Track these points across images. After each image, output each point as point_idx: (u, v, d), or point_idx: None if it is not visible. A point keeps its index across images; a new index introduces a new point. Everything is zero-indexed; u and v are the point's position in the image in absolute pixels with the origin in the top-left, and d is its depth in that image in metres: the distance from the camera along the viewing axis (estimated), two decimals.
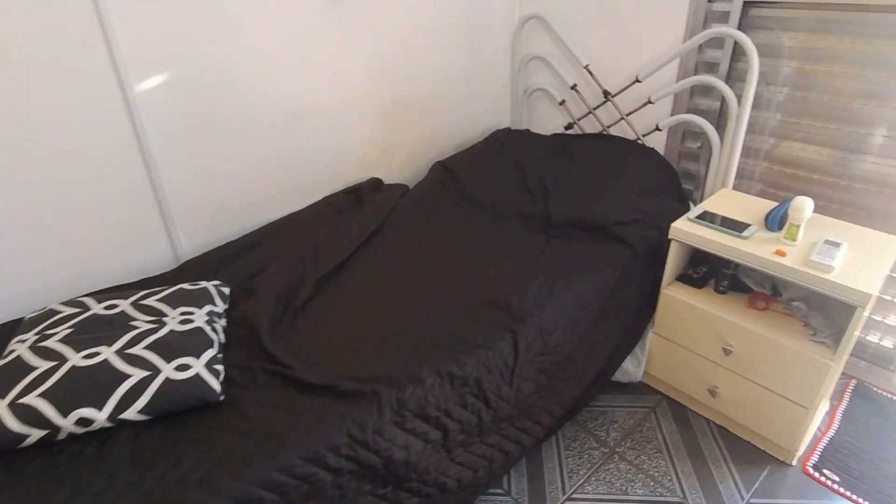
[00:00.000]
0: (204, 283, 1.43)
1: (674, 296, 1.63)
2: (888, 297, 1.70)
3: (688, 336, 1.64)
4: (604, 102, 2.13)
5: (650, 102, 1.98)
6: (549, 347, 1.43)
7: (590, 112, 2.18)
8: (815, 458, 1.59)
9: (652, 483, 1.54)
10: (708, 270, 1.68)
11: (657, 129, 1.98)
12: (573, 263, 1.60)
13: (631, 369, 1.77)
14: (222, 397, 1.14)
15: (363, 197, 1.98)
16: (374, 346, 1.30)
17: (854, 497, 1.48)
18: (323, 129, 1.88)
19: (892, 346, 1.77)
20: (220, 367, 1.18)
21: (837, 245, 1.39)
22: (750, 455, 1.61)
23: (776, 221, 1.48)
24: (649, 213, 1.76)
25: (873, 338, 1.79)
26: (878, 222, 1.68)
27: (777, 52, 1.72)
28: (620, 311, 1.62)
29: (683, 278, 1.69)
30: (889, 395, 1.79)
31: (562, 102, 2.26)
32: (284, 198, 1.86)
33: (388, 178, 2.14)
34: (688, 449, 1.63)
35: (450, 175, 2.09)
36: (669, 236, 1.58)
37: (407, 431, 1.17)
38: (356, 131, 1.98)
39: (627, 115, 2.07)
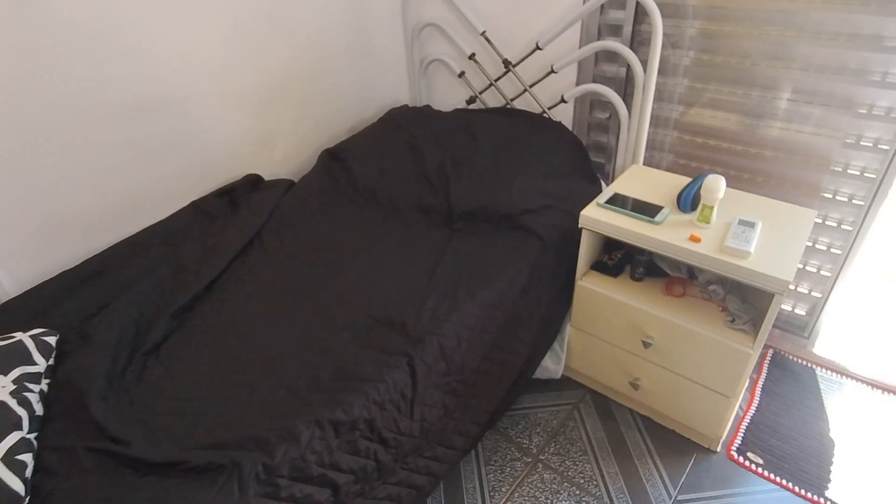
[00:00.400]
0: (19, 335, 1.13)
1: (589, 287, 1.50)
2: (800, 265, 1.66)
3: (606, 328, 1.52)
4: (505, 73, 1.93)
5: (553, 72, 1.81)
6: (454, 366, 1.25)
7: (491, 84, 1.98)
8: (738, 441, 1.53)
9: (578, 491, 1.43)
10: (623, 256, 1.56)
11: (563, 100, 1.82)
12: (478, 264, 1.42)
13: (551, 366, 1.64)
14: (27, 499, 0.87)
15: (238, 199, 1.70)
16: (239, 398, 1.07)
17: (778, 480, 1.44)
18: (178, 120, 1.57)
19: (804, 314, 1.74)
20: (27, 457, 0.91)
21: (752, 225, 1.29)
22: (675, 445, 1.54)
23: (688, 202, 1.36)
24: (559, 198, 1.61)
25: (787, 306, 1.76)
26: (788, 190, 1.61)
27: (681, 11, 1.58)
28: (534, 311, 1.47)
29: (599, 266, 1.56)
30: (804, 363, 1.77)
31: (461, 74, 2.04)
32: (138, 207, 1.55)
33: (271, 172, 1.86)
34: (613, 446, 1.54)
35: (340, 165, 1.84)
36: (580, 225, 1.43)
37: (283, 501, 0.97)
38: (222, 121, 1.68)
39: (531, 86, 1.89)
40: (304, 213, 1.67)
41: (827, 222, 1.59)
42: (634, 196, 1.45)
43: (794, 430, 1.56)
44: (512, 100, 1.97)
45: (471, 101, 2.08)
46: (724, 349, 1.32)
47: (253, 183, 1.76)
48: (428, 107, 2.11)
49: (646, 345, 1.44)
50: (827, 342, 1.75)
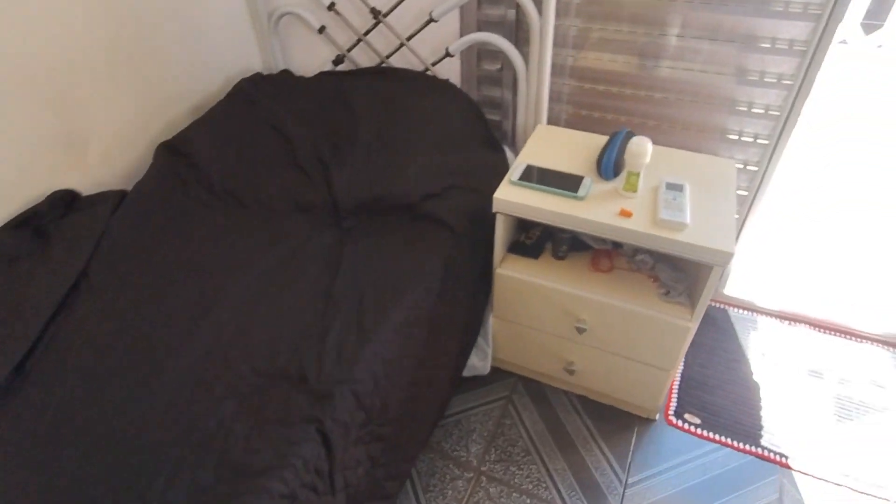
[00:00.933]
0: None
1: (509, 275, 1.32)
2: None
3: (533, 316, 1.36)
4: (375, 25, 1.61)
5: (433, 20, 1.52)
6: (375, 411, 1.02)
7: (360, 40, 1.65)
8: (674, 404, 1.49)
9: (528, 500, 1.30)
10: (542, 233, 1.39)
11: (448, 54, 1.55)
12: (382, 273, 1.17)
13: (477, 363, 1.47)
14: None
15: (47, 228, 1.26)
16: None
17: (717, 437, 1.41)
18: None
19: None
20: None
21: (681, 189, 1.16)
22: (615, 420, 1.46)
23: (610, 167, 1.20)
24: (463, 174, 1.37)
25: None
26: (694, 136, 1.52)
27: None
28: (455, 313, 1.26)
29: (517, 247, 1.37)
30: (717, 305, 1.77)
31: (321, 30, 1.68)
32: None
33: (89, 183, 1.41)
34: (554, 437, 1.42)
35: (185, 161, 1.44)
36: (494, 209, 1.22)
37: None
38: (1, 121, 1.21)
39: (408, 39, 1.59)
40: (146, 233, 1.28)
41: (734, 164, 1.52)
42: (549, 166, 1.26)
43: (721, 378, 1.55)
44: (387, 57, 1.66)
45: (338, 61, 1.73)
46: (661, 325, 1.21)
47: (65, 202, 1.33)
48: (287, 72, 1.74)
49: (580, 330, 1.30)
50: (735, 282, 1.76)
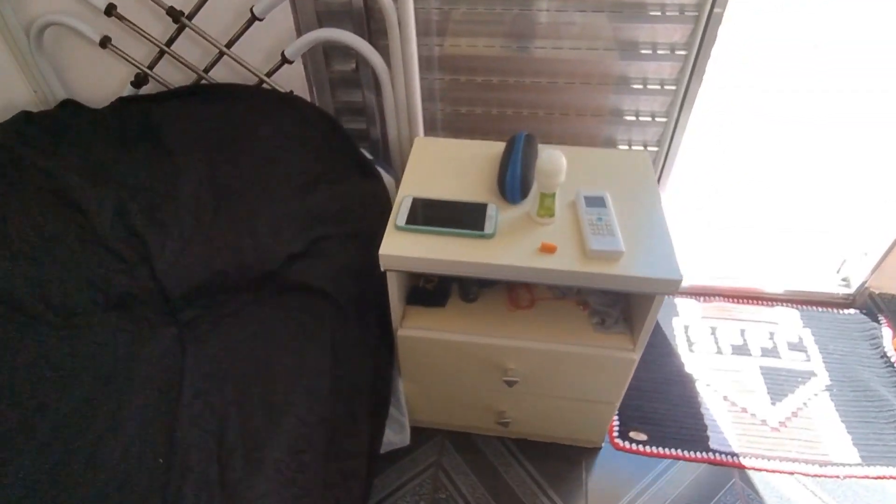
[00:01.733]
0: None
1: (413, 335, 1.05)
2: None
3: (451, 374, 1.12)
4: (179, 30, 1.22)
5: (257, 19, 1.17)
6: None
7: (163, 51, 1.25)
8: (616, 423, 1.34)
9: None
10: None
11: (285, 60, 1.21)
12: (245, 387, 0.84)
13: (394, 438, 1.20)
14: None
15: None
16: None
17: (667, 451, 1.29)
18: None
19: None
20: None
21: (602, 201, 0.95)
22: (560, 458, 1.28)
23: (517, 188, 0.96)
24: (331, 217, 1.07)
25: None
26: (590, 122, 1.34)
27: None
28: (357, 403, 0.97)
29: (417, 296, 1.11)
30: None
31: (104, 42, 1.24)
32: None
33: None
34: (499, 501, 1.21)
35: None
36: (382, 267, 0.93)
37: None
38: None
39: (228, 45, 1.22)
40: None
41: (633, 147, 1.37)
42: (441, 195, 1.00)
43: (656, 380, 1.43)
44: (206, 70, 1.27)
45: (139, 81, 1.31)
46: (601, 360, 1.03)
47: None
48: (69, 104, 1.29)
49: (509, 383, 1.08)
50: None
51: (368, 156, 1.26)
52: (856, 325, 1.55)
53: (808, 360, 1.47)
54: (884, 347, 1.48)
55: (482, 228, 0.91)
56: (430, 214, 0.95)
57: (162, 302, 0.97)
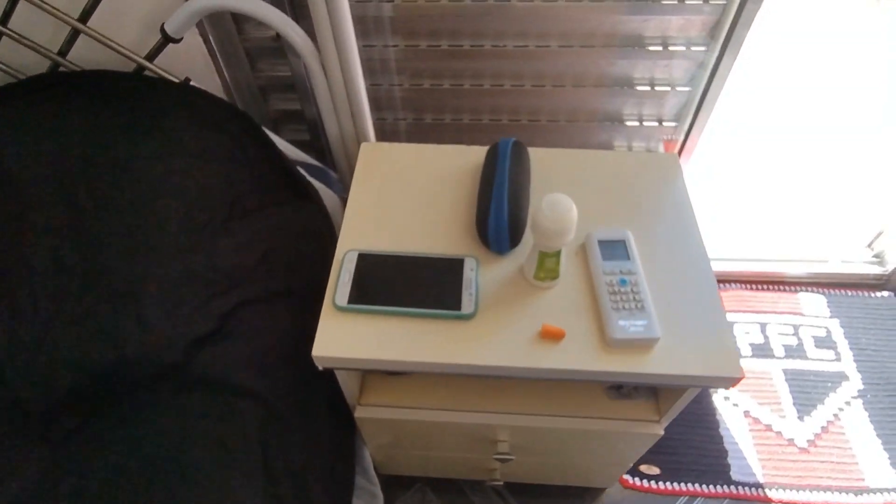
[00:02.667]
0: None
1: (374, 417, 0.81)
2: None
3: (428, 450, 0.90)
4: (12, 7, 0.84)
5: None
6: None
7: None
8: None
9: None
10: None
11: (168, 38, 0.85)
12: None
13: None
14: None
15: None
16: None
17: (684, 487, 1.12)
18: None
19: None
20: None
21: (624, 250, 0.68)
22: (562, 501, 1.10)
23: (503, 237, 0.68)
24: (252, 270, 0.78)
25: None
26: (581, 130, 1.03)
27: None
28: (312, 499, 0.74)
29: None
30: None
31: None
32: None
33: None
34: None
35: None
36: (320, 367, 0.66)
37: None
38: None
39: (82, 19, 0.85)
40: None
41: (644, 122, 1.08)
42: (397, 247, 0.71)
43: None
44: (62, 53, 0.90)
45: None
46: (618, 436, 0.80)
47: None
48: None
49: (502, 461, 0.86)
50: None
51: (310, 161, 0.94)
52: (890, 312, 1.35)
53: (838, 360, 1.28)
54: None
55: (458, 305, 0.64)
56: (384, 283, 0.67)
57: (20, 417, 0.69)
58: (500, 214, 0.67)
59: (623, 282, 0.64)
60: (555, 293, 0.66)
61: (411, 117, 1.09)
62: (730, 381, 0.61)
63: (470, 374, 0.63)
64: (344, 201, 0.95)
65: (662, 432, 0.79)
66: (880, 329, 1.33)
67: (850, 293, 1.39)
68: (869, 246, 1.42)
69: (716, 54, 0.91)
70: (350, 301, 0.64)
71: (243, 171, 0.84)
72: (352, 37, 0.79)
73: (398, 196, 0.77)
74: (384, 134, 1.11)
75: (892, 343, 1.30)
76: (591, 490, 1.11)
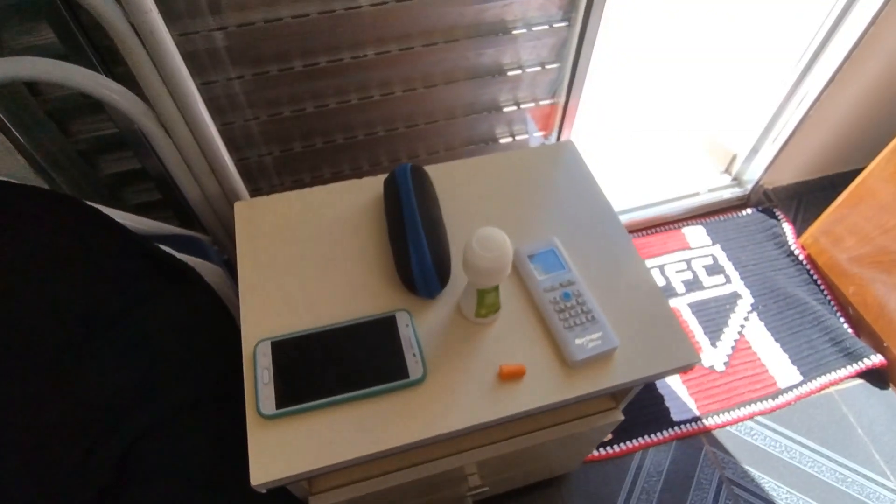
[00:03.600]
0: None
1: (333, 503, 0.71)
2: None
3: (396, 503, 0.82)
4: None
5: None
6: None
7: None
8: None
9: None
10: None
11: None
12: None
13: None
14: None
15: None
16: None
17: (634, 443, 1.16)
18: None
19: None
20: None
21: (557, 259, 0.64)
22: (534, 498, 1.10)
23: (432, 280, 0.61)
24: (136, 396, 0.63)
25: None
26: (445, 94, 0.97)
27: None
28: None
29: None
30: None
31: None
32: None
33: None
34: None
35: None
36: (263, 490, 0.55)
37: None
38: None
39: None
40: None
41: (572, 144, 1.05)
42: (313, 321, 0.61)
43: None
44: None
45: None
46: (585, 433, 0.79)
47: None
48: None
49: (476, 495, 0.81)
50: None
51: (173, 231, 0.79)
52: (757, 226, 1.50)
53: (729, 282, 1.40)
54: (788, 245, 1.45)
55: (404, 372, 0.56)
56: (312, 371, 0.57)
57: None
58: (422, 256, 0.60)
59: (567, 295, 0.61)
60: (500, 326, 0.61)
61: (277, 150, 0.96)
62: (689, 366, 0.60)
63: (439, 441, 0.56)
64: (229, 267, 0.82)
65: (622, 416, 0.79)
66: (753, 244, 1.47)
67: (722, 217, 1.52)
68: (727, 171, 1.55)
69: (578, 26, 0.90)
70: (279, 405, 0.54)
71: (90, 272, 0.67)
72: (190, 83, 0.65)
73: (296, 258, 0.66)
74: (250, 174, 0.98)
75: (766, 253, 1.45)
76: (556, 480, 1.12)
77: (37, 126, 0.80)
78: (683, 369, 0.61)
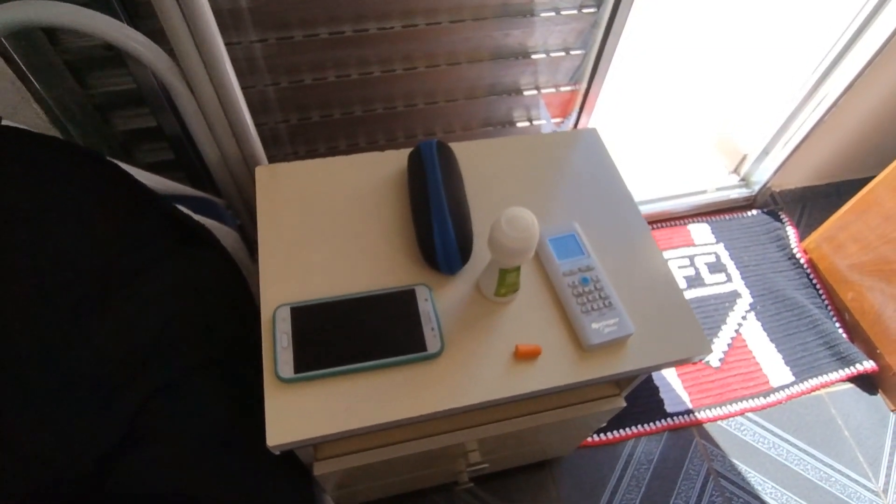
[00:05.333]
0: None
1: (335, 470, 0.72)
2: None
3: (396, 474, 0.83)
4: None
5: None
6: None
7: None
8: None
9: None
10: None
11: None
12: None
13: None
14: None
15: None
16: None
17: (625, 431, 1.18)
18: None
19: None
20: None
21: (577, 245, 0.65)
22: (524, 479, 1.12)
23: (454, 256, 0.61)
24: (150, 354, 0.63)
25: None
26: (468, 71, 0.97)
27: None
28: None
29: None
30: None
31: None
32: None
33: None
34: None
35: None
36: (278, 452, 0.56)
37: None
38: None
39: None
40: None
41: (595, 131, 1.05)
42: (333, 288, 0.61)
43: None
44: None
45: None
46: (586, 417, 0.80)
47: None
48: None
49: (474, 471, 0.82)
50: None
51: (190, 192, 0.78)
52: (761, 227, 1.51)
53: (730, 280, 1.41)
54: (791, 248, 1.46)
55: (422, 346, 0.57)
56: (331, 338, 0.57)
57: None
58: (445, 233, 0.60)
59: (585, 280, 0.61)
60: (518, 306, 0.62)
61: (295, 118, 0.95)
62: (700, 358, 0.61)
63: (450, 415, 0.57)
64: (242, 232, 0.82)
65: (624, 403, 0.80)
66: (756, 244, 1.48)
67: (727, 217, 1.53)
68: (735, 171, 1.56)
69: (608, 12, 0.89)
70: (297, 370, 0.54)
71: (108, 228, 0.67)
72: (219, 41, 0.64)
73: (317, 226, 0.66)
74: (264, 141, 0.97)
75: (767, 255, 1.47)
76: (548, 463, 1.14)
77: (54, 76, 0.78)
78: (693, 360, 0.62)
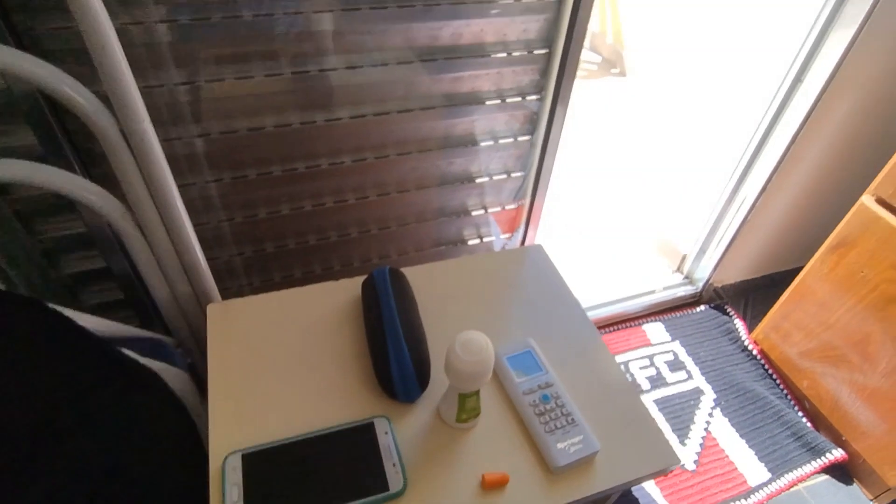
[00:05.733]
0: None
1: None
2: None
3: None
4: None
5: None
6: None
7: None
8: None
9: None
10: None
11: None
12: None
13: None
14: None
15: None
16: None
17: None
18: None
19: None
20: None
21: (534, 362, 0.65)
22: None
23: (411, 384, 0.60)
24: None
25: None
26: (416, 197, 1.02)
27: None
28: None
29: None
30: None
31: None
32: None
33: None
34: None
35: None
36: None
37: None
38: None
39: None
40: None
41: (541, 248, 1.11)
42: (287, 430, 0.58)
43: None
44: None
45: None
46: None
47: None
48: None
49: None
50: None
51: (137, 333, 0.75)
52: (711, 322, 1.57)
53: (691, 377, 1.43)
54: (742, 340, 1.51)
55: (384, 485, 0.54)
56: (286, 485, 0.53)
57: None
58: (401, 360, 0.59)
59: (546, 398, 0.61)
60: (481, 431, 0.60)
61: (249, 250, 0.96)
62: (670, 469, 0.60)
63: None
64: (192, 370, 0.79)
65: None
66: (709, 339, 1.53)
67: (678, 314, 1.58)
68: (678, 270, 1.64)
69: (541, 139, 0.98)
70: None
71: (47, 380, 0.63)
72: (173, 187, 0.66)
73: (271, 363, 0.64)
74: (219, 274, 0.97)
75: (722, 349, 1.50)
76: None
77: (1, 224, 0.78)
78: (665, 472, 0.60)
